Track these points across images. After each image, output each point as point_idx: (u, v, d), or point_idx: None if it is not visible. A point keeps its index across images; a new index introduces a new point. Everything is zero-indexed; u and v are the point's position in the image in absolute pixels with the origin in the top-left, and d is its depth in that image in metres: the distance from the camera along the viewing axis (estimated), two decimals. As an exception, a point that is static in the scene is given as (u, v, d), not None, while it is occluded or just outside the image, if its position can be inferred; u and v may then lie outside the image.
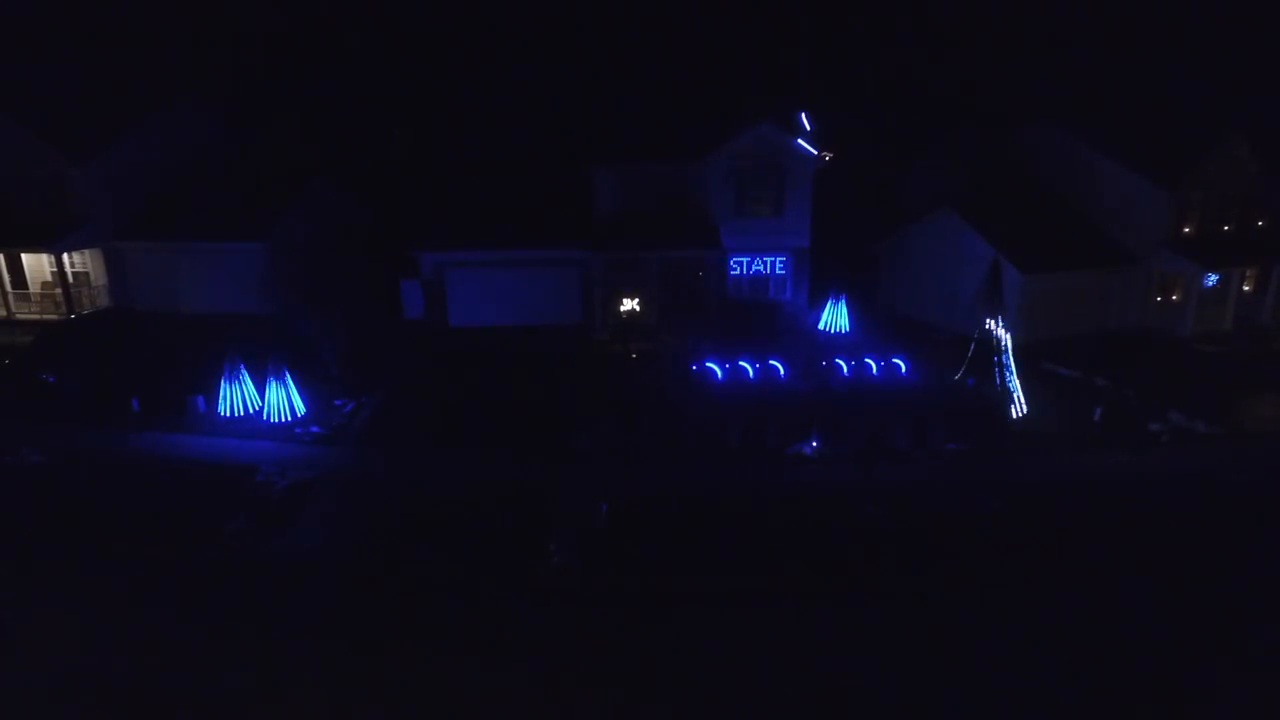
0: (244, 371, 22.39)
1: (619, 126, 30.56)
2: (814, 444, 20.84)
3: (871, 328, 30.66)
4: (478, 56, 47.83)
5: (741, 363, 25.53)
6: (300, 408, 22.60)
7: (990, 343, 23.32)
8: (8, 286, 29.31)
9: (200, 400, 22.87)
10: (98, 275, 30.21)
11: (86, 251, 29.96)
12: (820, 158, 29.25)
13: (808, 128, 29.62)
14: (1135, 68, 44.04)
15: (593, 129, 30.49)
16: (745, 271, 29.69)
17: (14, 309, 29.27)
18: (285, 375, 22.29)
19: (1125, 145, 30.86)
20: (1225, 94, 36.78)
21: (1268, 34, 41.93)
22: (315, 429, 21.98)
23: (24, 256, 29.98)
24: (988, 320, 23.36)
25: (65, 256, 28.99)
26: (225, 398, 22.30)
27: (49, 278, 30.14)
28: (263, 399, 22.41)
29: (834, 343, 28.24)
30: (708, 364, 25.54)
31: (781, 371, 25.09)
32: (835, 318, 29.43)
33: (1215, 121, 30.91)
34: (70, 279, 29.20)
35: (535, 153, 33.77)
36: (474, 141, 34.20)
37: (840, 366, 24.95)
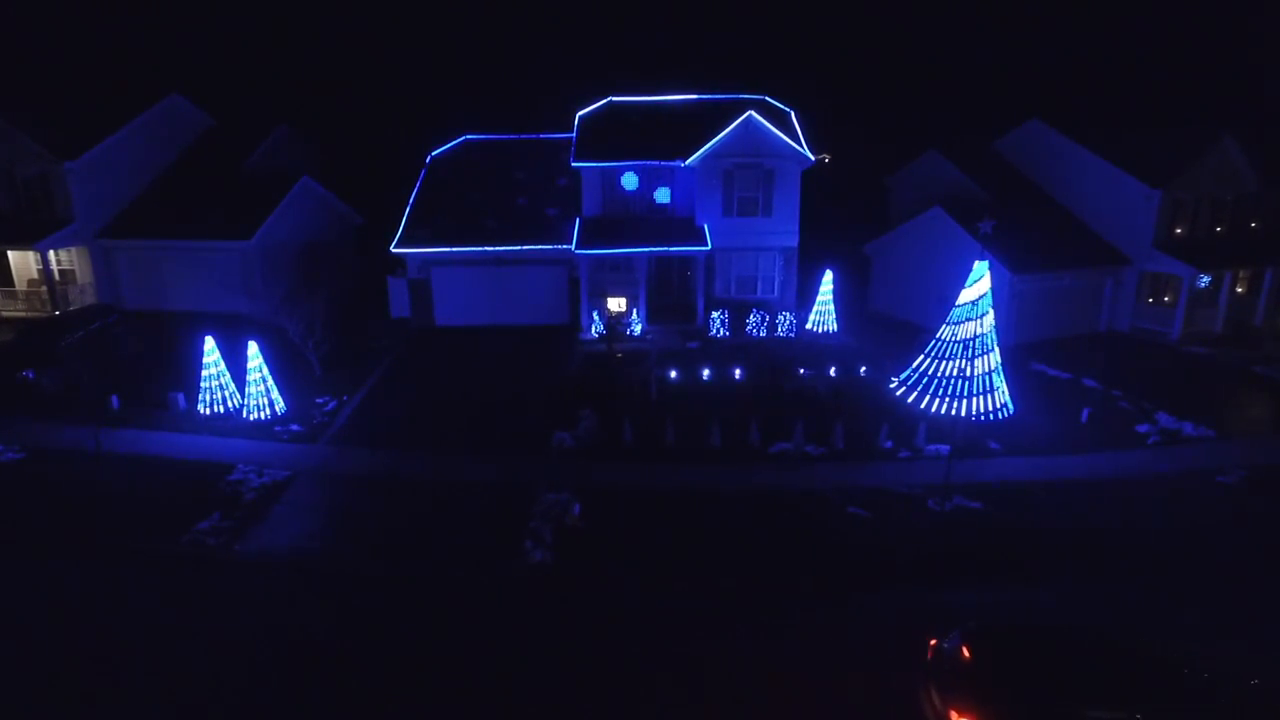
0: (224, 367, 22.28)
1: (607, 125, 30.47)
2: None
3: (860, 328, 30.52)
4: (469, 56, 47.79)
5: (726, 361, 25.37)
6: (281, 405, 22.46)
7: None
8: (-6, 284, 29.30)
9: (180, 397, 22.76)
10: (84, 273, 30.15)
11: (73, 249, 29.93)
12: (820, 159, 29.11)
13: (797, 127, 29.47)
14: (1129, 69, 43.91)
15: (580, 127, 30.40)
16: (733, 270, 29.55)
17: (0, 306, 29.20)
18: (266, 373, 22.16)
19: (1117, 146, 30.71)
20: (1219, 95, 36.65)
21: (1262, 37, 41.82)
22: (295, 427, 21.84)
23: (10, 254, 29.99)
24: None
25: (51, 254, 28.95)
26: (205, 394, 22.17)
27: (35, 275, 30.12)
28: (243, 396, 22.28)
29: (820, 343, 28.05)
30: (693, 364, 25.38)
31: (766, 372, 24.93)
32: (823, 318, 29.23)
33: (1208, 123, 30.74)
34: (56, 277, 29.17)
35: (525, 150, 33.72)
36: (461, 138, 34.09)
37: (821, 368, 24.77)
